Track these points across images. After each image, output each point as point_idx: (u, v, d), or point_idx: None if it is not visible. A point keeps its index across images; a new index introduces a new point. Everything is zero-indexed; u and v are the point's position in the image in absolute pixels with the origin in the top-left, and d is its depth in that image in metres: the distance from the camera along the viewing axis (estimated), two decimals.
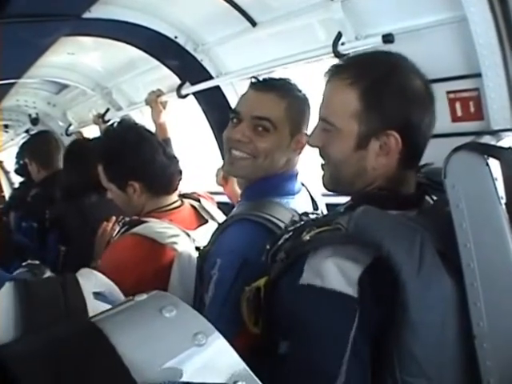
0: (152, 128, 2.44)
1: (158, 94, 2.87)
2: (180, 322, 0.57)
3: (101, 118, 3.93)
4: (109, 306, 1.10)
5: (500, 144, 1.29)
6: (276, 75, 2.25)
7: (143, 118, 3.88)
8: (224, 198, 2.24)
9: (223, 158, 1.64)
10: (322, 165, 1.23)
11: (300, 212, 1.49)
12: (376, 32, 1.86)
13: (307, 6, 2.05)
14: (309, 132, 1.53)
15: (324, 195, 1.73)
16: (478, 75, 1.62)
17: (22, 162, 3.53)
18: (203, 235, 1.68)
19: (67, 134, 4.94)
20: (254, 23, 2.30)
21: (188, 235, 1.82)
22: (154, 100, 2.86)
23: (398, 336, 0.97)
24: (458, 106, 1.73)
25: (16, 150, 3.91)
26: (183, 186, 2.07)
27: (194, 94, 2.92)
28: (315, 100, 1.27)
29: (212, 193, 2.27)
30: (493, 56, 1.56)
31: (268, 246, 1.21)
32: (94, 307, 1.03)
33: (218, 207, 2.11)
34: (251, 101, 1.56)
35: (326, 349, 0.97)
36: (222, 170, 1.62)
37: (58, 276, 1.17)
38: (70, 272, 2.18)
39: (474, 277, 1.05)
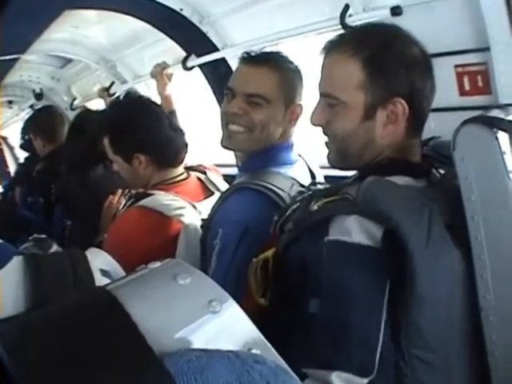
0: (158, 100, 2.42)
1: (164, 66, 2.85)
2: (194, 289, 0.57)
3: (106, 92, 3.88)
4: None
5: (509, 118, 1.28)
6: (281, 48, 2.24)
7: (149, 90, 3.83)
8: (230, 170, 2.24)
9: None
10: (327, 142, 1.22)
11: (299, 179, 1.53)
12: (384, 4, 1.83)
13: None
14: (302, 102, 1.58)
15: (322, 167, 1.75)
16: (487, 49, 1.60)
17: (26, 137, 3.53)
18: (209, 207, 1.70)
19: (72, 109, 4.90)
20: None
21: (194, 207, 1.83)
22: (160, 72, 2.84)
23: (406, 308, 0.98)
24: (465, 79, 1.71)
25: (20, 125, 3.90)
26: (189, 159, 2.07)
27: (199, 66, 2.91)
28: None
29: (218, 165, 2.27)
30: (502, 30, 1.54)
31: (275, 218, 1.22)
32: (102, 283, 1.07)
33: (224, 179, 2.11)
34: (243, 76, 1.58)
35: (363, 307, 0.98)
36: (221, 144, 1.63)
37: (66, 250, 1.19)
38: (76, 246, 2.21)
39: (482, 249, 1.05)
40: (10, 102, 5.68)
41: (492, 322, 1.07)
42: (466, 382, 1.09)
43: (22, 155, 4.40)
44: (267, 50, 1.73)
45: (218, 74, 2.85)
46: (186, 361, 0.47)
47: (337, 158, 1.22)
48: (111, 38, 3.61)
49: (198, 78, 3.05)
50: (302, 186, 1.50)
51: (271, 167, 1.54)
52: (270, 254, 1.15)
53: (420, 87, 1.13)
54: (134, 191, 2.16)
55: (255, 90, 1.52)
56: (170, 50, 3.04)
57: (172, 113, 2.55)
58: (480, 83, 1.69)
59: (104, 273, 1.12)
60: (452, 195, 1.08)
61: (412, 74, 1.12)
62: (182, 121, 2.50)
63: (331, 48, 1.18)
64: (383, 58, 1.12)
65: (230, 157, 1.99)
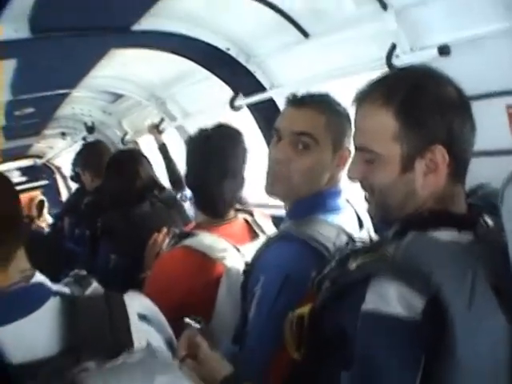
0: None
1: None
2: None
3: (156, 128, 3.97)
4: (151, 329, 1.13)
5: None
6: (329, 87, 2.22)
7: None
8: (277, 212, 2.21)
9: None
10: (366, 197, 1.18)
11: (346, 229, 1.46)
12: (432, 43, 1.79)
13: (360, 16, 1.99)
14: (351, 147, 1.50)
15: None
16: None
17: (76, 170, 3.61)
18: (253, 250, 1.67)
19: (123, 143, 5.04)
20: (306, 34, 2.27)
21: (238, 250, 1.81)
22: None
23: (441, 380, 0.91)
24: None
25: (73, 156, 4.00)
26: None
27: (248, 106, 2.91)
28: None
29: (265, 205, 2.24)
30: None
31: (313, 274, 1.18)
32: (138, 328, 1.06)
33: (272, 221, 2.07)
34: (290, 117, 1.54)
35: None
36: (265, 190, 1.60)
37: (104, 293, 1.19)
38: (120, 281, 2.22)
39: None
40: (64, 134, 5.87)
41: None
42: None
43: (74, 185, 4.50)
44: (315, 90, 1.70)
45: (266, 115, 2.84)
46: None
47: (377, 212, 1.18)
48: (161, 74, 3.68)
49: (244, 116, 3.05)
50: (349, 234, 1.45)
51: (318, 214, 1.49)
52: (306, 311, 1.11)
53: (459, 130, 1.06)
54: (178, 230, 2.16)
55: (302, 128, 1.48)
56: (218, 87, 3.05)
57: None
58: None
59: (141, 317, 1.12)
60: (499, 252, 0.99)
61: (449, 117, 1.05)
62: None
63: (361, 98, 1.14)
64: (415, 103, 1.06)
65: None
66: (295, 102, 1.54)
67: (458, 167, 1.09)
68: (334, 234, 1.41)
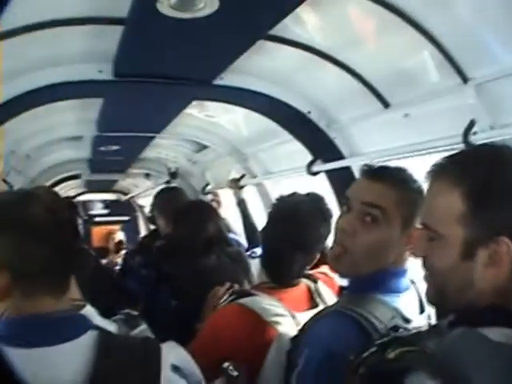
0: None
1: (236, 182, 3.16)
2: None
3: (236, 183, 4.03)
4: (182, 381, 1.13)
5: None
6: (408, 162, 2.18)
7: (277, 188, 3.97)
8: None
9: None
10: (426, 277, 1.12)
11: (404, 312, 1.39)
12: None
13: (440, 89, 1.95)
14: None
15: None
16: None
17: (152, 213, 3.72)
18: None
19: (203, 193, 5.15)
20: (387, 104, 2.26)
21: (293, 317, 1.78)
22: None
23: None
24: None
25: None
26: None
27: (325, 171, 2.88)
28: None
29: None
30: None
31: (351, 357, 1.14)
32: (168, 378, 1.07)
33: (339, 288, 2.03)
34: (362, 188, 1.51)
35: None
36: (327, 261, 1.57)
37: (143, 338, 1.20)
38: (177, 328, 2.24)
39: None
40: (148, 175, 6.08)
41: None
42: None
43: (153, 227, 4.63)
44: (393, 163, 1.66)
45: (342, 182, 2.77)
46: None
47: (434, 295, 1.12)
48: (244, 130, 3.77)
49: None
50: (405, 319, 1.38)
51: (376, 293, 1.43)
52: None
53: None
54: (238, 287, 2.16)
55: (372, 199, 1.44)
56: (299, 149, 3.05)
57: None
58: None
59: (174, 368, 1.12)
60: None
61: None
62: None
63: (433, 174, 1.09)
64: (488, 188, 0.99)
65: None
66: (369, 173, 1.51)
67: None
68: (387, 317, 1.35)
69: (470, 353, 0.90)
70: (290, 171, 3.54)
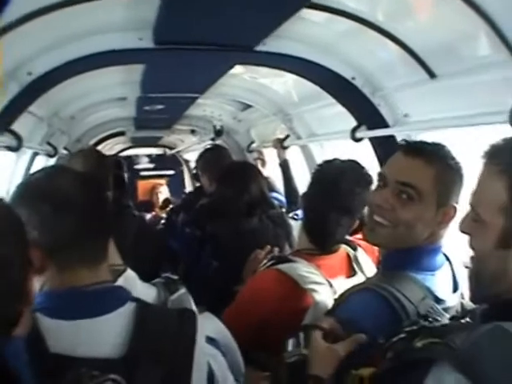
0: None
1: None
2: None
3: (280, 143, 4.02)
4: (217, 352, 1.16)
5: None
6: (449, 135, 2.14)
7: (322, 151, 3.94)
8: None
9: None
10: (471, 257, 1.12)
11: (436, 291, 1.40)
12: None
13: (489, 62, 1.89)
14: (458, 205, 1.44)
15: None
16: None
17: (197, 171, 3.76)
18: (346, 287, 1.67)
19: (249, 151, 5.17)
20: (433, 75, 2.20)
21: (331, 285, 1.80)
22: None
23: None
24: None
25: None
26: None
27: (369, 138, 2.84)
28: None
29: None
30: None
31: (381, 341, 1.16)
32: (202, 350, 1.09)
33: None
34: (398, 165, 1.49)
35: None
36: (364, 236, 1.58)
37: (180, 309, 1.21)
38: (216, 288, 2.30)
39: None
40: (193, 131, 6.10)
41: None
42: None
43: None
44: (437, 135, 1.60)
45: (386, 150, 2.73)
46: None
47: (472, 277, 1.12)
48: (290, 91, 3.73)
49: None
50: (437, 299, 1.39)
51: (409, 271, 1.43)
52: (366, 374, 1.10)
53: None
54: (278, 251, 2.18)
55: (408, 179, 1.42)
56: (344, 114, 3.00)
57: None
58: None
59: (210, 339, 1.15)
60: None
61: None
62: None
63: (487, 157, 1.08)
64: None
65: None
66: (407, 149, 1.48)
67: None
68: (418, 297, 1.35)
69: (496, 348, 0.90)
70: (335, 135, 3.51)
